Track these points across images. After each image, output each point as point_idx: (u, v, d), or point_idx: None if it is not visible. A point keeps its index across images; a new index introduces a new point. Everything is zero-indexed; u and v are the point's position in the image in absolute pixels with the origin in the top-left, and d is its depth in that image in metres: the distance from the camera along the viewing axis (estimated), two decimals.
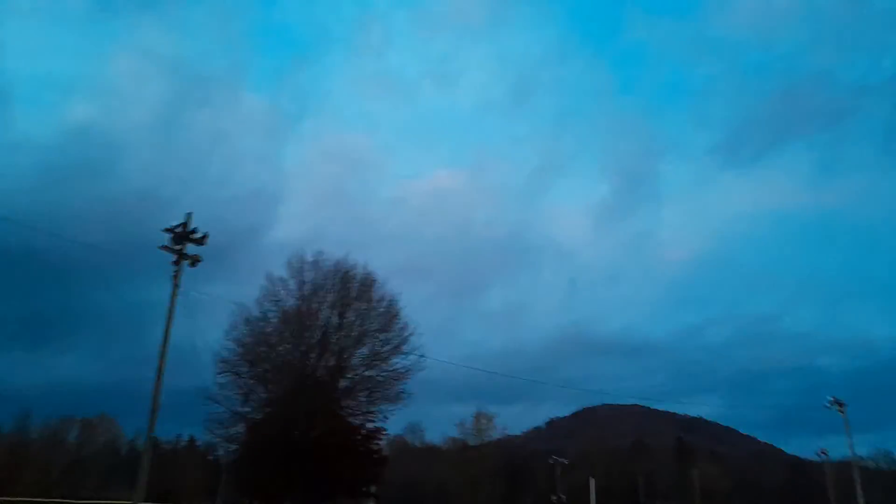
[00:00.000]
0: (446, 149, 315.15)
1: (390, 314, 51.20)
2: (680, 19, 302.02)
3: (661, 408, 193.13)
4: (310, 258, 51.15)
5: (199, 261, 28.48)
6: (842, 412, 40.12)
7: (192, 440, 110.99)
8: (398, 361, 50.91)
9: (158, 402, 27.10)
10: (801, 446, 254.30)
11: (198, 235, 28.63)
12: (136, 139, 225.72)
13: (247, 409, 49.73)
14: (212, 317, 49.68)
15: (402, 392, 50.69)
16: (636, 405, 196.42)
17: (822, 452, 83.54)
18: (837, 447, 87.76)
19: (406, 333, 50.78)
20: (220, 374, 48.42)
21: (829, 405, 40.93)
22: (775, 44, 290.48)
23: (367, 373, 51.37)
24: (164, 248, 27.98)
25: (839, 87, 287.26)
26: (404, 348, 50.50)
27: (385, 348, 50.80)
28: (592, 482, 39.86)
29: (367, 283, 51.42)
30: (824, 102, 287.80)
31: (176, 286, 28.01)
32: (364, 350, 51.32)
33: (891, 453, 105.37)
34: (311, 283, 50.73)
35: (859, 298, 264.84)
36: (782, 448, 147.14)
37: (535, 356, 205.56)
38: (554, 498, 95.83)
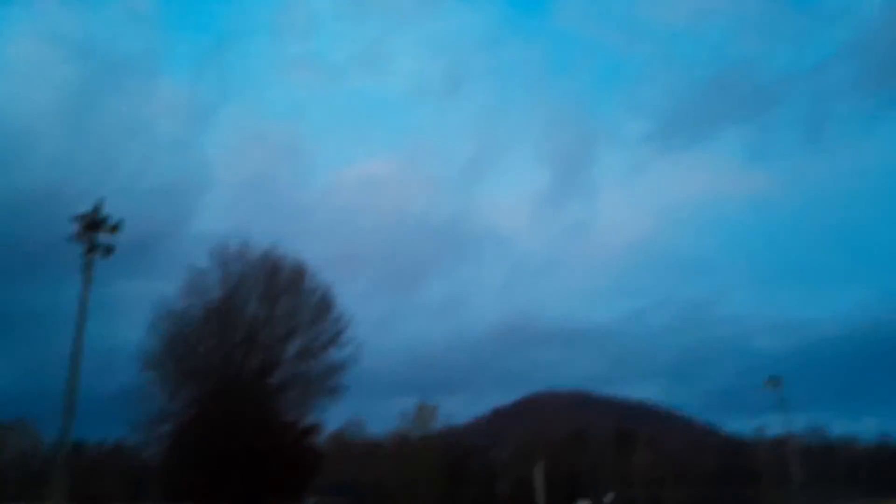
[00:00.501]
0: (379, 136, 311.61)
1: (323, 305, 48.88)
2: (612, 4, 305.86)
3: (603, 393, 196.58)
4: (234, 248, 48.22)
5: (112, 251, 25.74)
6: (777, 390, 40.22)
7: (117, 444, 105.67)
8: (333, 354, 48.73)
9: (73, 402, 24.43)
10: (741, 426, 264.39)
11: (110, 223, 25.82)
12: (44, 128, 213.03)
13: (173, 409, 46.75)
14: (135, 313, 46.30)
15: (338, 386, 48.60)
16: (578, 391, 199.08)
17: (760, 430, 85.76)
18: (774, 426, 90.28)
19: (340, 325, 48.56)
20: (142, 372, 45.23)
21: (765, 383, 41.00)
22: (705, 31, 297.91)
23: (300, 368, 49.02)
24: (75, 237, 25.10)
25: (766, 76, 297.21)
26: (339, 340, 48.33)
27: (318, 341, 48.54)
28: (540, 467, 38.76)
29: (297, 273, 48.93)
30: (752, 90, 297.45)
31: (88, 279, 25.18)
32: (296, 344, 48.92)
33: (823, 430, 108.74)
34: (237, 274, 47.88)
35: (791, 280, 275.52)
36: (721, 428, 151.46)
37: (477, 346, 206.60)
38: (497, 489, 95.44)
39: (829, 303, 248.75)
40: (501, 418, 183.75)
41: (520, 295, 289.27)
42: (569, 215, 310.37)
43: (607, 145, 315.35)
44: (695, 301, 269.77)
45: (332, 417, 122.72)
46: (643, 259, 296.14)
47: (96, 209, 26.14)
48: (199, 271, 47.56)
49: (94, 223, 25.59)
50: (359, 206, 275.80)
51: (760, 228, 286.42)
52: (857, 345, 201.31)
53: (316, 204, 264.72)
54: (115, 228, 26.04)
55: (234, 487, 42.29)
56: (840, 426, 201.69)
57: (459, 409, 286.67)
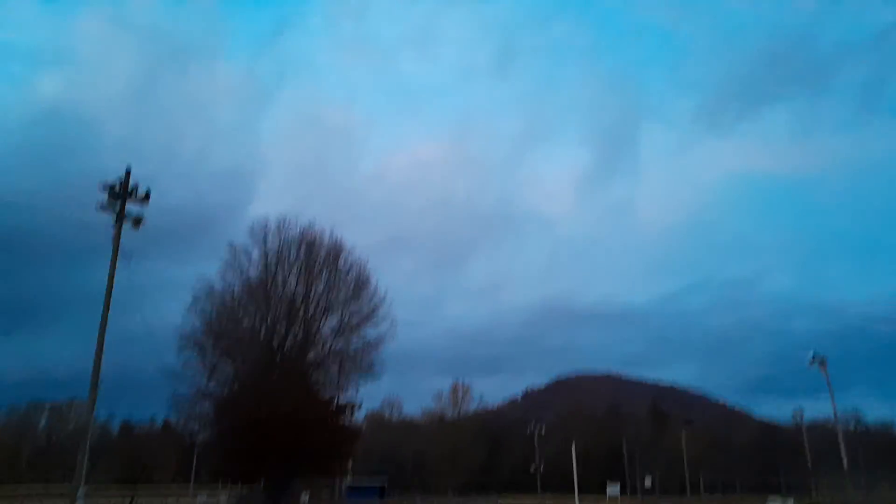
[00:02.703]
0: (428, 118, 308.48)
1: (360, 283, 49.58)
2: None
3: (636, 376, 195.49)
4: (273, 226, 49.10)
5: (142, 222, 26.32)
6: (824, 371, 39.61)
7: (166, 422, 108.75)
8: (369, 331, 49.48)
9: (98, 376, 25.19)
10: (775, 411, 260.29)
11: (140, 193, 26.43)
12: (107, 114, 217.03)
13: (213, 386, 47.98)
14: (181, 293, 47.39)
15: (374, 363, 49.35)
16: (611, 374, 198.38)
17: (799, 414, 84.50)
18: (811, 410, 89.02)
19: (376, 302, 49.24)
20: (183, 350, 46.35)
21: (810, 363, 40.33)
22: (756, 2, 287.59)
23: (337, 344, 49.91)
24: (102, 207, 25.70)
25: (819, 48, 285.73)
26: (374, 317, 49.03)
27: (354, 318, 49.25)
28: (573, 446, 39.06)
29: (335, 251, 49.66)
30: (804, 64, 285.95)
31: (116, 249, 25.87)
32: (333, 321, 49.79)
33: (859, 414, 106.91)
34: (275, 252, 48.78)
35: (836, 260, 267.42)
36: (752, 412, 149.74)
37: (515, 328, 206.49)
38: (532, 466, 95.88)
39: (874, 284, 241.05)
40: (534, 399, 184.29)
41: (559, 277, 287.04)
42: (612, 195, 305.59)
43: (653, 123, 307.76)
44: (735, 281, 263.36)
45: (370, 397, 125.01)
46: (685, 239, 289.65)
47: (125, 179, 26.63)
48: (239, 249, 48.58)
49: (122, 193, 26.11)
50: (407, 188, 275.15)
51: (806, 207, 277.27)
52: None
53: (366, 187, 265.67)
54: (144, 198, 26.56)
55: (274, 463, 43.38)
56: (878, 411, 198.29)
57: (493, 391, 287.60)
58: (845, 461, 40.11)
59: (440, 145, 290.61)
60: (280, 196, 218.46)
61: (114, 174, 26.48)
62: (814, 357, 40.27)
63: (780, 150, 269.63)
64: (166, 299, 47.27)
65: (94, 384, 25.42)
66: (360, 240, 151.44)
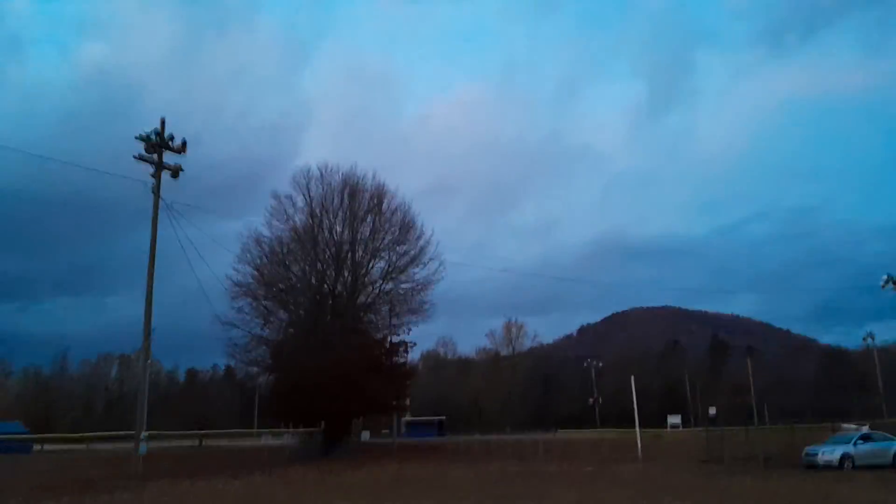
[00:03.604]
0: (472, 60, 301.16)
1: (405, 225, 49.02)
2: None
3: (695, 308, 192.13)
4: (316, 173, 48.69)
5: (180, 171, 26.15)
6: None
7: (228, 369, 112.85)
8: (418, 272, 49.20)
9: (150, 325, 25.50)
10: (840, 338, 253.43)
11: (176, 143, 26.15)
12: (150, 76, 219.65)
13: (267, 332, 48.77)
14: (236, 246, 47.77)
15: (424, 304, 49.24)
16: (668, 307, 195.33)
17: (869, 337, 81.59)
18: (879, 336, 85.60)
19: (423, 244, 48.70)
20: (235, 298, 46.98)
21: (883, 284, 38.12)
22: None
23: (386, 286, 49.89)
24: (139, 157, 25.53)
25: None
26: (422, 259, 48.60)
27: (402, 260, 48.96)
28: (633, 380, 38.23)
29: (379, 194, 49.04)
30: None
31: (157, 200, 25.76)
32: (381, 264, 49.71)
33: None
34: (320, 198, 48.48)
35: None
36: (821, 340, 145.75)
37: (569, 266, 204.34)
38: (591, 400, 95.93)
39: None
40: (590, 335, 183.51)
41: (614, 213, 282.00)
42: (667, 127, 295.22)
43: (709, 51, 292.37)
44: (799, 208, 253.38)
45: (424, 337, 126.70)
46: (746, 168, 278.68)
47: (161, 129, 26.37)
48: (284, 197, 48.49)
49: (158, 143, 25.90)
50: (453, 131, 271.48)
51: (874, 127, 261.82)
52: None
53: (412, 133, 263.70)
54: (182, 148, 26.26)
55: (331, 404, 44.12)
56: None
57: (548, 329, 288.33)
58: None
59: (486, 86, 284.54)
60: (325, 147, 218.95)
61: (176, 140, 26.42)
62: (888, 278, 37.98)
63: (846, 71, 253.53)
64: (223, 253, 47.72)
65: (147, 333, 25.77)
66: (408, 186, 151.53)
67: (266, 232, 48.03)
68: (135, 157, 25.34)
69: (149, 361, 27.23)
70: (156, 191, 25.66)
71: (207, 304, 50.58)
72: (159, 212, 25.94)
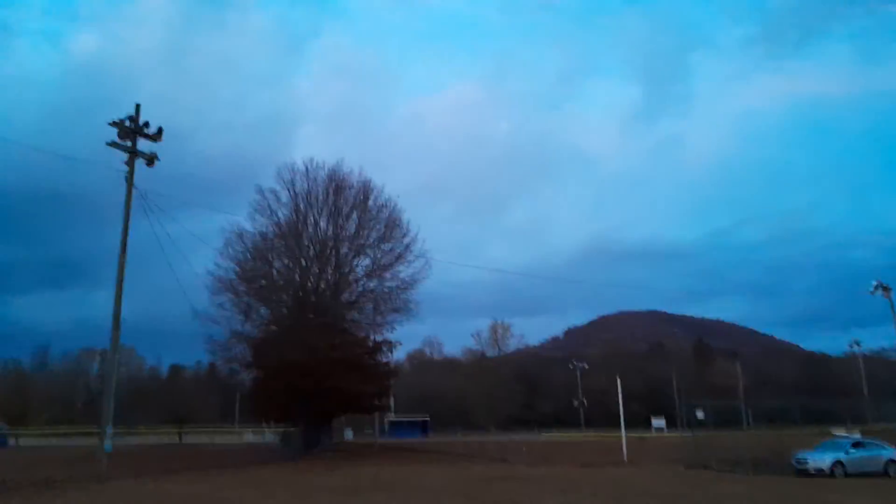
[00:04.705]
0: (466, 58, 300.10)
1: (391, 222, 48.07)
2: None
3: (679, 312, 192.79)
4: (301, 167, 47.73)
5: (156, 159, 25.15)
6: (888, 296, 37.03)
7: (211, 365, 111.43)
8: (403, 271, 48.33)
9: (119, 315, 24.46)
10: (824, 343, 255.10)
11: (151, 130, 25.15)
12: (144, 68, 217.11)
13: (248, 329, 47.79)
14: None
15: (409, 302, 48.32)
16: (654, 311, 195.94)
17: (855, 343, 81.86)
18: (863, 341, 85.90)
19: (408, 241, 47.82)
20: (216, 294, 45.98)
21: (872, 290, 37.77)
22: None
23: (370, 284, 49.00)
24: (112, 144, 24.47)
25: None
26: (407, 257, 47.73)
27: (387, 258, 48.08)
28: (619, 381, 37.73)
29: (364, 191, 48.11)
30: None
31: (130, 186, 24.74)
32: (366, 261, 48.80)
33: None
34: (304, 194, 47.52)
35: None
36: (804, 346, 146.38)
37: (558, 268, 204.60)
38: (575, 401, 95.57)
39: None
40: (576, 337, 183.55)
41: (604, 216, 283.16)
42: (660, 131, 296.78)
43: (704, 54, 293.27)
44: (789, 213, 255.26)
45: (411, 337, 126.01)
46: (737, 173, 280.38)
47: (135, 114, 25.43)
48: (268, 191, 47.51)
49: (132, 129, 24.92)
50: (445, 130, 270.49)
51: (866, 133, 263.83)
52: None
53: (403, 131, 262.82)
54: (157, 135, 25.31)
55: (314, 402, 43.24)
56: None
57: (536, 331, 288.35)
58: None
59: (479, 85, 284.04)
60: (316, 144, 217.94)
61: (151, 128, 25.45)
62: (877, 285, 37.64)
63: (841, 76, 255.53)
64: (207, 248, 46.88)
65: (116, 325, 24.79)
66: (398, 185, 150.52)
67: (249, 227, 47.07)
68: (108, 143, 24.31)
69: (117, 355, 26.21)
70: (129, 178, 24.65)
71: (188, 298, 49.63)
72: (137, 202, 25.07)
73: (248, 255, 47.51)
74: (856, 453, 25.62)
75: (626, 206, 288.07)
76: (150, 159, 25.13)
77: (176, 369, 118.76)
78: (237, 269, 47.01)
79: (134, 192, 24.77)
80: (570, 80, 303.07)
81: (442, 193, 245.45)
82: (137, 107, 25.33)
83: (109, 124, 24.40)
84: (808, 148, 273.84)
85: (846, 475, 24.34)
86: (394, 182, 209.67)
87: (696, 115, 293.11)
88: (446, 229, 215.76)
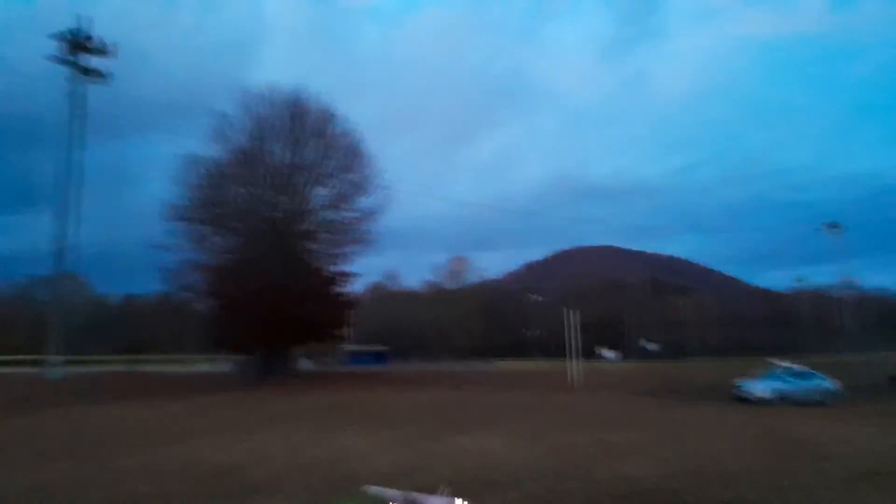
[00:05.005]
0: None
1: (352, 151, 47.02)
2: None
3: (637, 248, 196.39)
4: (259, 92, 45.98)
5: (102, 76, 23.74)
6: (835, 236, 38.12)
7: (166, 295, 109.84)
8: (363, 201, 47.67)
9: (65, 240, 23.60)
10: (774, 281, 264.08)
11: (97, 45, 23.63)
12: None
13: (203, 258, 46.94)
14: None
15: (369, 233, 47.94)
16: (611, 246, 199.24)
17: (800, 280, 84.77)
18: (815, 277, 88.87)
19: (369, 171, 46.98)
20: (170, 221, 44.81)
21: (822, 228, 38.85)
22: None
23: (329, 215, 48.30)
24: (53, 58, 22.99)
25: None
26: (368, 187, 47.01)
27: (347, 188, 47.26)
28: (575, 315, 38.50)
29: (324, 117, 46.69)
30: None
31: (77, 106, 23.43)
32: (325, 190, 47.92)
33: (857, 280, 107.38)
34: (262, 119, 45.93)
35: (857, 130, 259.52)
36: (753, 282, 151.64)
37: (523, 203, 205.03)
38: (530, 332, 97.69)
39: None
40: (535, 271, 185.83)
41: (571, 151, 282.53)
42: (631, 65, 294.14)
43: None
44: (750, 153, 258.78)
45: (371, 270, 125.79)
46: (704, 111, 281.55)
47: (78, 27, 23.75)
48: (224, 116, 45.85)
49: (76, 43, 23.36)
50: (416, 60, 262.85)
51: (835, 76, 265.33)
52: None
53: (373, 60, 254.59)
54: (104, 51, 23.84)
55: (270, 332, 43.07)
56: (880, 279, 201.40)
57: (498, 265, 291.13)
58: (844, 324, 39.57)
59: (451, 11, 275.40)
60: (280, 71, 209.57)
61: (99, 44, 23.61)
62: (826, 224, 38.64)
63: (814, 17, 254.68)
64: (168, 176, 45.50)
65: (61, 250, 23.92)
66: (363, 115, 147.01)
67: (205, 153, 45.57)
68: (47, 57, 22.78)
69: (61, 281, 25.41)
70: (72, 96, 23.29)
71: (140, 225, 48.31)
72: (96, 125, 23.76)
73: (203, 181, 46.21)
74: (795, 383, 26.75)
75: (592, 141, 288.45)
76: (95, 75, 23.71)
77: (130, 298, 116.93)
78: (192, 196, 45.82)
79: (80, 112, 23.46)
80: (543, 8, 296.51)
81: (411, 125, 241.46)
82: (81, 19, 23.74)
83: (50, 37, 22.81)
84: (773, 90, 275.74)
85: (785, 402, 25.44)
86: (359, 112, 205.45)
87: (667, 51, 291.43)
88: (411, 162, 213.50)
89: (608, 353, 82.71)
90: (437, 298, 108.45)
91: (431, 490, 8.39)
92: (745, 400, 26.08)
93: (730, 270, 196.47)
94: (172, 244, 44.96)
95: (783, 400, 25.60)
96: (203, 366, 67.14)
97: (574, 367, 37.36)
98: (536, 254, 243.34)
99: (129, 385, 40.13)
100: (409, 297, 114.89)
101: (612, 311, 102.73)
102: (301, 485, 9.77)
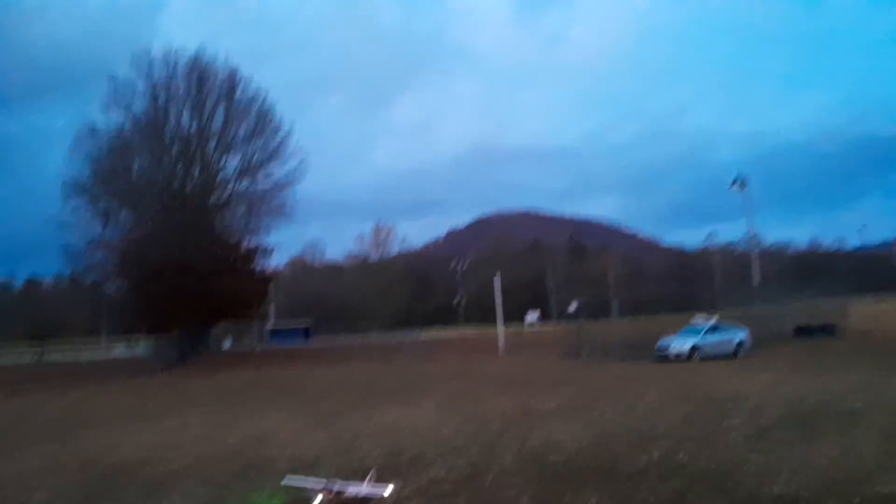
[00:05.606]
0: None
1: (262, 116, 45.08)
2: None
3: (554, 212, 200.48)
4: (158, 54, 43.16)
5: None
6: (742, 192, 39.51)
7: (73, 276, 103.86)
8: (277, 170, 45.90)
9: None
10: (688, 238, 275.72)
11: None
12: None
13: (109, 235, 44.19)
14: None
15: (284, 204, 46.28)
16: (531, 211, 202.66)
17: (711, 237, 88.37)
18: (723, 234, 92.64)
19: (282, 138, 45.20)
20: (69, 198, 41.89)
21: (730, 186, 40.15)
22: None
23: (241, 185, 46.34)
24: None
25: None
26: (281, 155, 45.25)
27: (259, 156, 45.38)
28: (497, 279, 38.56)
29: (230, 81, 44.46)
30: None
31: None
32: (235, 159, 45.86)
33: (762, 235, 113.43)
34: (163, 84, 43.24)
35: (763, 88, 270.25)
36: (665, 241, 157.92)
37: (443, 169, 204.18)
38: (454, 301, 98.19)
39: (799, 111, 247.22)
40: (457, 239, 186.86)
41: (490, 116, 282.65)
42: (546, 27, 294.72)
43: None
44: (660, 114, 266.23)
45: (292, 243, 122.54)
46: (615, 72, 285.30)
47: None
48: (122, 81, 42.84)
49: None
50: (329, 20, 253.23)
51: (741, 34, 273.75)
52: (815, 152, 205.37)
53: (284, 20, 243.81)
54: None
55: (186, 311, 41.07)
56: (786, 232, 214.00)
57: (421, 233, 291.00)
58: (755, 278, 41.29)
59: None
60: (185, 33, 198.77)
61: None
62: (734, 181, 39.97)
63: None
64: (62, 150, 42.20)
65: None
66: (275, 79, 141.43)
67: (103, 122, 42.56)
68: None
69: None
70: None
71: (40, 203, 44.99)
72: None
73: (104, 153, 43.28)
74: (710, 338, 27.45)
75: (511, 105, 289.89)
76: None
77: (32, 282, 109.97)
78: (93, 169, 42.93)
79: None
80: None
81: (325, 89, 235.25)
82: None
83: None
84: (682, 49, 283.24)
85: (701, 359, 26.08)
86: (270, 77, 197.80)
87: (581, 11, 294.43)
88: (329, 129, 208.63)
89: (529, 317, 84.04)
90: (362, 270, 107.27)
91: (357, 474, 7.80)
92: (665, 358, 26.62)
93: (646, 230, 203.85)
94: (75, 222, 42.22)
95: (701, 356, 26.24)
96: (119, 350, 63.95)
97: (501, 332, 37.50)
98: (459, 221, 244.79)
99: (33, 376, 37.58)
100: (333, 270, 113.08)
101: (534, 275, 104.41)
102: (209, 479, 8.93)
